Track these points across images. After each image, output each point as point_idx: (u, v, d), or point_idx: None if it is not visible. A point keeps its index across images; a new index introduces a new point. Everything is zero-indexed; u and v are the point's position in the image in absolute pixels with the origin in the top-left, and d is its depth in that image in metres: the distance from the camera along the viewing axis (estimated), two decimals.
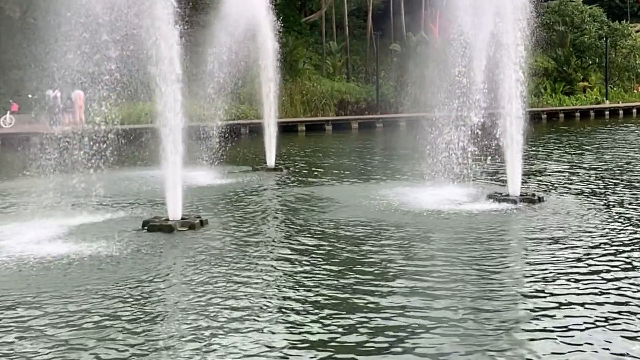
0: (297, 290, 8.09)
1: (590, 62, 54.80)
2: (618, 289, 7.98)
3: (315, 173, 19.60)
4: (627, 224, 11.52)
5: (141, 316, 7.18)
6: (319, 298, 7.76)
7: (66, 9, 11.28)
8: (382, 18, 53.42)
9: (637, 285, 8.12)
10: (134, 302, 7.63)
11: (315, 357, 6.18)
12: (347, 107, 42.21)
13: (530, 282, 8.32)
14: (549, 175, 18.13)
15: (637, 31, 61.73)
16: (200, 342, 6.46)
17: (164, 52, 11.76)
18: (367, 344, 6.43)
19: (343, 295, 7.83)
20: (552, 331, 6.64)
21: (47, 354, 6.25)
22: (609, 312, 7.19)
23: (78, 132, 12.01)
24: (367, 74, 48.60)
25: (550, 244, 10.16)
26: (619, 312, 7.16)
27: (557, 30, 52.71)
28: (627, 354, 6.14)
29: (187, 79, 12.73)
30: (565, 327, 6.75)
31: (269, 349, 6.31)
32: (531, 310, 7.26)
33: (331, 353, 6.26)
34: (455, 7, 14.75)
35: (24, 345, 6.45)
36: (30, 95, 32.72)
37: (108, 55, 11.22)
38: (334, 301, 7.65)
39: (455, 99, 14.40)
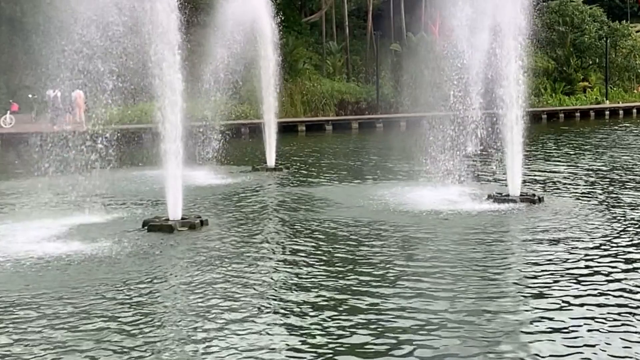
0: (297, 291, 8.06)
1: (590, 62, 54.78)
2: (618, 290, 7.95)
3: (315, 173, 19.58)
4: (628, 225, 11.50)
5: (140, 318, 7.14)
6: (319, 300, 7.74)
7: (69, 8, 11.27)
8: (382, 18, 53.41)
9: (638, 286, 8.10)
10: (133, 304, 7.60)
11: None
12: (347, 107, 42.19)
13: (531, 283, 8.29)
14: (549, 175, 18.11)
15: (637, 31, 61.70)
16: (199, 344, 6.42)
17: (165, 49, 11.75)
18: (367, 346, 6.40)
19: (343, 297, 7.80)
20: (552, 332, 6.62)
21: (43, 356, 6.20)
22: (609, 313, 7.16)
23: (78, 131, 12.00)
24: (367, 74, 48.58)
25: (550, 245, 10.14)
26: (619, 314, 7.14)
27: (557, 30, 52.68)
28: (627, 356, 6.12)
29: (187, 79, 12.72)
30: (566, 328, 6.72)
31: (268, 351, 6.27)
32: (531, 311, 7.22)
33: (331, 355, 6.23)
34: (451, 20, 14.69)
35: (20, 347, 6.39)
36: (30, 95, 32.76)
37: (108, 54, 11.21)
38: (334, 302, 7.63)
39: (451, 124, 14.40)
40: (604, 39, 53.57)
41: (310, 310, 7.37)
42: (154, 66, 11.83)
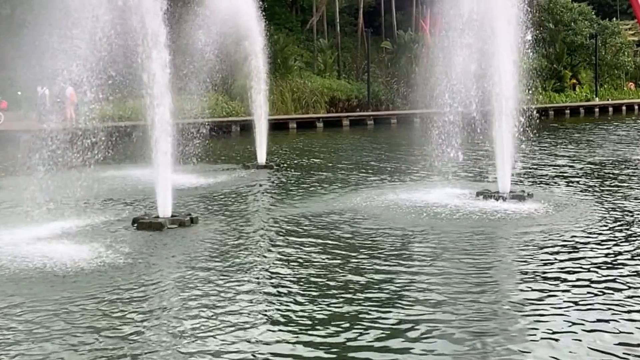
0: (287, 294, 7.94)
1: (579, 60, 54.99)
2: (610, 289, 7.91)
3: (306, 171, 19.56)
4: (616, 220, 11.51)
5: (123, 320, 7.02)
6: (308, 299, 7.65)
7: (58, 4, 11.16)
8: (374, 16, 53.45)
9: (630, 284, 8.08)
10: (119, 303, 7.50)
11: None
12: (338, 105, 42.19)
13: (522, 285, 8.22)
14: (539, 171, 18.15)
15: (627, 29, 61.92)
16: (184, 349, 6.31)
17: (150, 42, 11.68)
18: (367, 351, 6.34)
19: (336, 301, 7.70)
20: (554, 334, 6.53)
21: None
22: (600, 314, 7.09)
23: (67, 129, 11.88)
24: (358, 71, 48.60)
25: (538, 241, 10.12)
26: (613, 314, 7.09)
27: (548, 27, 52.79)
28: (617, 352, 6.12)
29: (176, 76, 12.66)
30: (552, 330, 6.62)
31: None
32: (526, 314, 7.11)
33: None
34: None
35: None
36: (19, 93, 32.56)
37: (96, 51, 11.11)
38: (325, 306, 7.53)
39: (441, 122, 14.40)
40: (594, 37, 53.77)
41: (302, 315, 7.25)
42: (143, 64, 11.75)
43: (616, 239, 10.37)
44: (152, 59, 11.73)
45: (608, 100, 52.44)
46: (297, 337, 6.57)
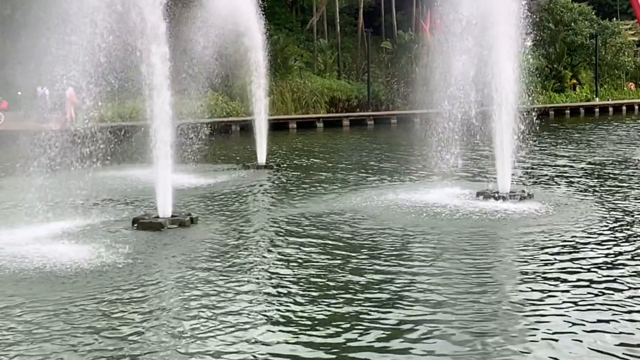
0: (287, 294, 7.94)
1: (579, 60, 54.98)
2: (611, 289, 7.90)
3: (306, 171, 19.55)
4: (617, 220, 11.50)
5: (123, 320, 7.01)
6: (311, 305, 7.60)
7: (58, 5, 11.15)
8: (374, 16, 53.43)
9: (630, 284, 8.06)
10: (118, 305, 7.48)
11: None
12: (338, 105, 42.16)
13: (522, 285, 8.21)
14: (539, 171, 18.14)
15: (627, 29, 61.89)
16: (184, 349, 6.29)
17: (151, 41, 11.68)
18: (366, 351, 6.33)
19: (336, 301, 7.69)
20: (554, 334, 6.52)
21: None
22: (600, 314, 7.09)
23: (67, 130, 11.87)
24: (358, 71, 48.58)
25: (538, 242, 10.11)
26: (613, 314, 7.08)
27: (548, 27, 52.75)
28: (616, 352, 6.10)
29: (177, 76, 12.63)
30: (552, 330, 6.61)
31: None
32: (526, 315, 7.10)
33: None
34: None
35: None
36: (19, 93, 32.55)
37: (96, 52, 11.09)
38: (325, 306, 7.52)
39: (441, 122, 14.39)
40: (594, 36, 53.75)
41: (302, 317, 7.23)
42: (143, 64, 11.74)
43: (616, 239, 10.37)
44: (151, 52, 11.71)
45: (608, 100, 52.39)
46: (297, 337, 6.57)
